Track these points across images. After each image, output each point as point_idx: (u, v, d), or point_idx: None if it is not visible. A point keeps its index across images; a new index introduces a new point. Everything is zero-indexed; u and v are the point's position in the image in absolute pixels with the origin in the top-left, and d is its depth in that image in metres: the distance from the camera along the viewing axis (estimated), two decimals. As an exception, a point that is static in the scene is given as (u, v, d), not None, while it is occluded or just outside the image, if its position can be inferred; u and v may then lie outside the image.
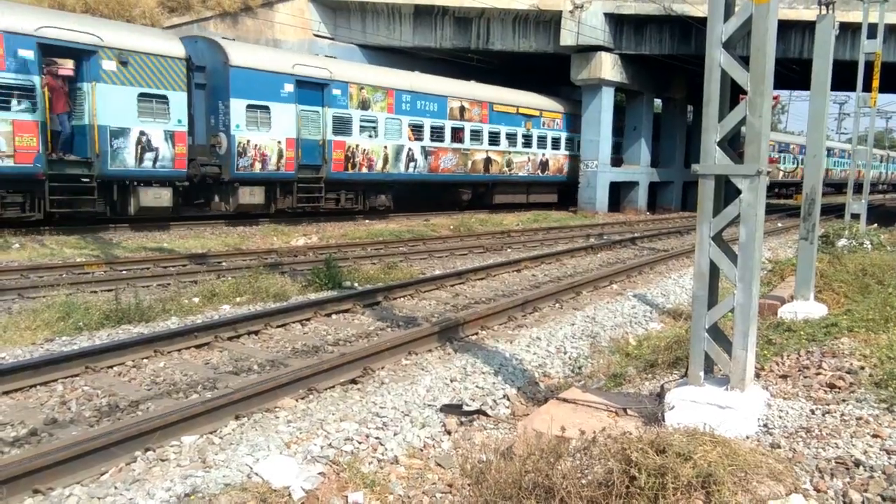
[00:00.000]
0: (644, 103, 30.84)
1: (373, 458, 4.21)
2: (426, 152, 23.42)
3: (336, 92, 20.12)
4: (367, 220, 21.24)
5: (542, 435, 3.50)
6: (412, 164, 22.95)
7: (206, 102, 17.84)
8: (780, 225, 23.86)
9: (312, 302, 8.59)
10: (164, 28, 20.55)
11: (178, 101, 16.55)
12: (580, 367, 6.65)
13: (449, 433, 4.76)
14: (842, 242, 12.30)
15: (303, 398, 5.50)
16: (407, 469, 4.14)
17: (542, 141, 28.58)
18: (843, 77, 20.36)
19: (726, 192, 4.17)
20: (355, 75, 21.04)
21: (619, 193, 30.68)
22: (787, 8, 23.75)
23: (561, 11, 25.70)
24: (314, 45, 24.99)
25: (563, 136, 29.68)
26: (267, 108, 18.25)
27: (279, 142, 18.62)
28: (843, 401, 4.24)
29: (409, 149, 22.75)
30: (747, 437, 3.78)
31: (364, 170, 21.25)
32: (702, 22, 20.74)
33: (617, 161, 30.51)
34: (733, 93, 4.13)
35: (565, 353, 6.98)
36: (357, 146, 20.88)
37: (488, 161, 26.06)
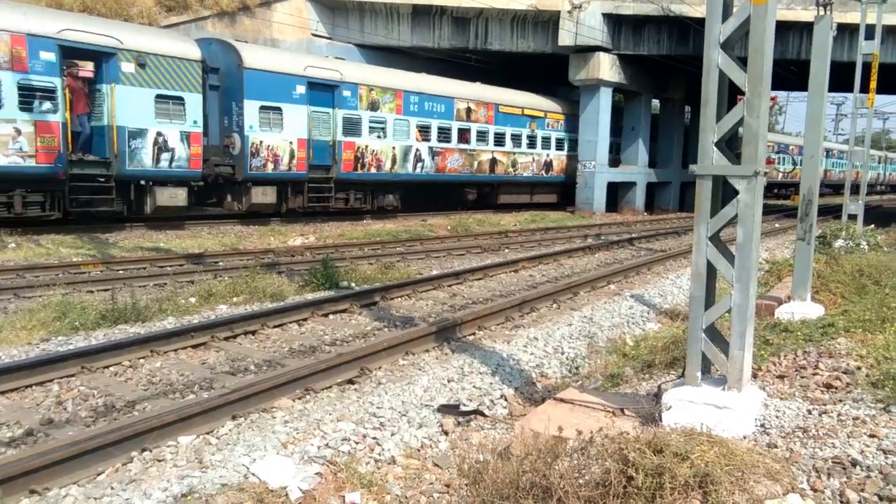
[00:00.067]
0: (642, 104, 30.89)
1: (370, 459, 4.21)
2: (433, 153, 23.73)
3: (346, 93, 20.43)
4: (364, 220, 21.23)
5: (539, 435, 3.50)
6: (420, 165, 23.24)
7: (220, 103, 18.13)
8: (777, 225, 23.89)
9: (309, 302, 8.58)
10: (161, 27, 20.51)
11: (194, 102, 16.84)
12: (577, 368, 6.65)
13: (446, 433, 4.76)
14: (839, 243, 12.32)
15: (300, 398, 5.49)
16: (404, 469, 4.14)
17: (546, 142, 28.87)
18: (841, 78, 20.36)
19: (724, 192, 4.17)
20: (365, 77, 21.32)
21: (616, 194, 30.71)
22: (785, 9, 23.80)
23: (559, 11, 25.72)
24: (312, 45, 24.97)
25: (566, 136, 29.83)
26: (279, 109, 18.53)
27: (291, 142, 18.92)
28: (840, 401, 4.24)
29: (417, 149, 23.05)
30: (744, 437, 3.79)
31: (373, 170, 21.55)
32: (700, 22, 20.73)
33: (615, 161, 30.55)
34: (731, 93, 4.13)
35: (563, 353, 6.98)
36: (366, 147, 21.18)
37: (494, 161, 26.37)
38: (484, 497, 3.15)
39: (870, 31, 14.74)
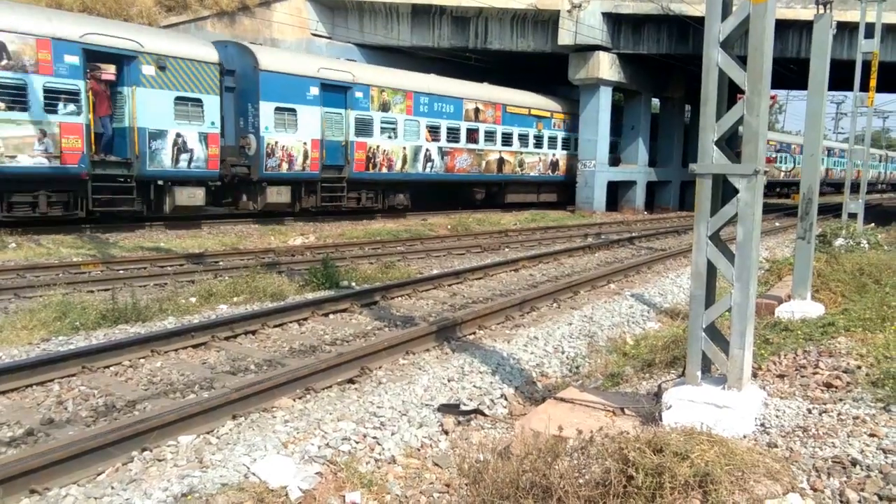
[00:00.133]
0: (642, 103, 30.87)
1: (370, 458, 4.21)
2: (443, 153, 24.03)
3: (358, 94, 20.74)
4: (364, 220, 21.24)
5: (539, 434, 3.50)
6: (429, 165, 23.54)
7: (236, 105, 18.47)
8: (777, 224, 23.89)
9: (310, 301, 8.58)
10: (161, 27, 20.50)
11: (212, 104, 17.14)
12: (578, 367, 6.65)
13: (446, 433, 4.76)
14: (839, 242, 12.31)
15: (300, 398, 5.49)
16: (404, 469, 4.14)
17: (552, 141, 29.14)
18: (841, 76, 20.38)
19: (724, 191, 4.17)
20: (376, 78, 21.58)
21: (616, 193, 30.70)
22: (785, 7, 23.77)
23: (559, 11, 25.70)
24: (311, 45, 24.96)
25: (567, 136, 29.92)
26: (294, 110, 18.84)
27: (305, 143, 19.23)
28: (840, 400, 4.24)
29: (427, 149, 23.36)
30: (744, 437, 3.79)
31: (384, 170, 21.85)
32: (700, 21, 20.72)
33: (615, 160, 30.55)
34: (731, 92, 4.13)
35: (563, 352, 6.98)
36: (378, 147, 21.49)
37: (501, 161, 26.67)
38: (484, 496, 3.15)
39: (869, 30, 14.73)
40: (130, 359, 6.31)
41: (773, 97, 49.56)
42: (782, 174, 46.10)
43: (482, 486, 3.21)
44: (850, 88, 16.48)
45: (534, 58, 28.49)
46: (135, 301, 8.04)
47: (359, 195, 21.48)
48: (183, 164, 16.59)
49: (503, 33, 26.88)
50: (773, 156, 43.68)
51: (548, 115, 28.71)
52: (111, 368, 6.12)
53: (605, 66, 27.07)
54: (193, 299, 8.93)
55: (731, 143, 4.14)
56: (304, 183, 19.67)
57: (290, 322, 7.92)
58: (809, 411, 4.11)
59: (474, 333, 7.77)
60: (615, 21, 26.74)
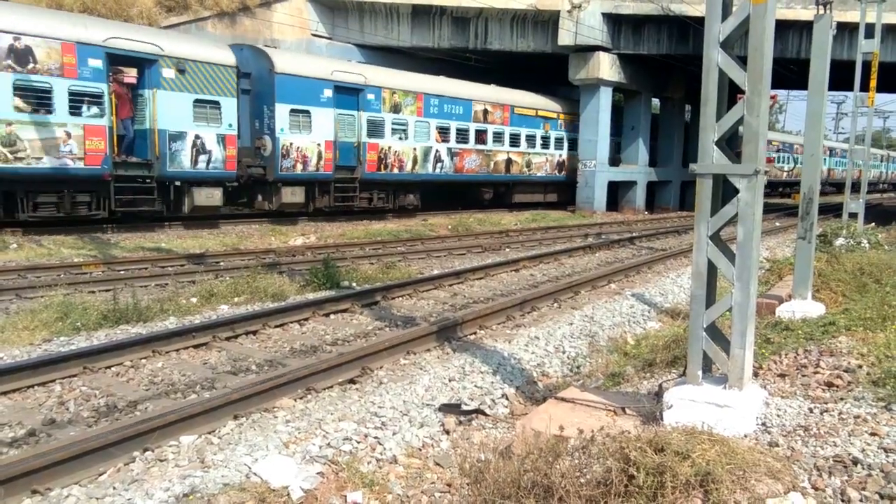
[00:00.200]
0: (642, 103, 30.87)
1: (371, 458, 4.21)
2: (452, 153, 24.34)
3: (370, 96, 21.07)
4: (364, 220, 21.26)
5: (540, 434, 3.51)
6: (439, 165, 23.86)
7: (252, 107, 18.76)
8: (777, 224, 23.88)
9: (310, 302, 8.59)
10: (161, 27, 20.51)
11: (229, 106, 17.49)
12: (578, 367, 6.66)
13: (447, 433, 4.76)
14: (840, 242, 12.31)
15: (301, 398, 5.49)
16: (406, 468, 4.14)
17: (559, 142, 29.39)
18: (841, 77, 20.36)
19: (724, 191, 4.17)
20: (387, 80, 21.85)
21: (617, 193, 30.70)
22: (785, 8, 23.78)
23: (559, 11, 25.70)
24: (312, 45, 24.96)
25: (568, 136, 30.01)
26: (308, 112, 19.14)
27: (319, 144, 19.54)
28: (841, 399, 4.24)
29: (437, 150, 23.68)
30: (745, 436, 3.79)
31: (395, 170, 22.18)
32: (700, 22, 20.72)
33: (615, 161, 30.55)
34: (731, 92, 4.13)
35: (564, 352, 6.98)
36: (389, 148, 21.81)
37: (509, 162, 26.97)
38: (485, 496, 3.15)
39: (869, 30, 14.74)
40: (132, 359, 6.32)
41: (773, 97, 49.54)
42: (784, 174, 46.09)
43: (483, 485, 3.21)
44: (851, 88, 16.48)
45: (534, 58, 28.49)
46: (136, 301, 8.05)
47: (370, 195, 21.79)
48: (202, 165, 16.93)
49: (503, 34, 26.89)
50: (774, 156, 43.70)
51: (554, 115, 29.01)
52: (112, 369, 6.12)
53: (606, 67, 27.07)
54: (194, 300, 8.93)
55: (731, 143, 4.15)
56: (318, 183, 20.01)
57: (291, 322, 7.92)
58: (811, 410, 4.11)
59: (475, 333, 7.78)
60: (615, 21, 26.75)
